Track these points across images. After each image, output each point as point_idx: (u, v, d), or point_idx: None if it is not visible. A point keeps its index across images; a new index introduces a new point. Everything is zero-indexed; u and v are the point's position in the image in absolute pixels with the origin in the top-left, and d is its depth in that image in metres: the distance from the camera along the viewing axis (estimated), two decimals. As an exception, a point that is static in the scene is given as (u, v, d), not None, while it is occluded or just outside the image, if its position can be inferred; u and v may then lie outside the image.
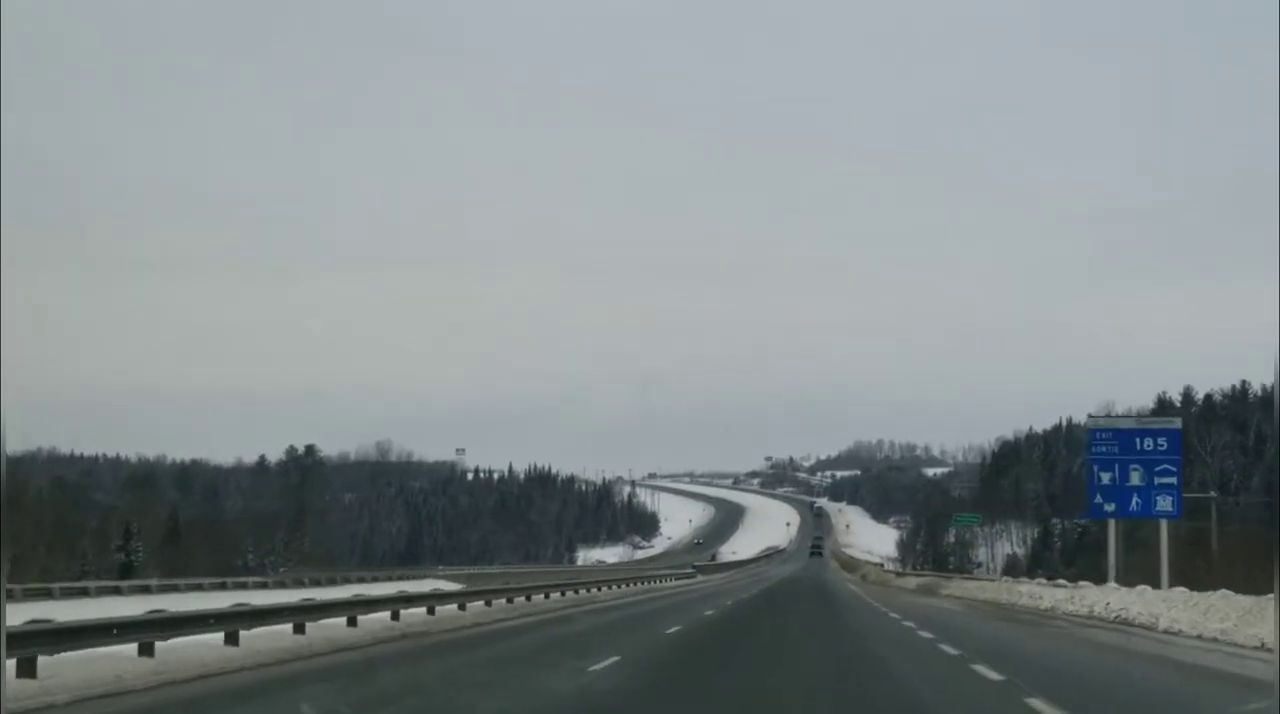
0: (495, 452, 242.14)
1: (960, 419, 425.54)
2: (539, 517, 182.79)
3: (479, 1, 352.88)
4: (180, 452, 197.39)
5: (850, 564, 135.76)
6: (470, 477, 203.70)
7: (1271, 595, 22.87)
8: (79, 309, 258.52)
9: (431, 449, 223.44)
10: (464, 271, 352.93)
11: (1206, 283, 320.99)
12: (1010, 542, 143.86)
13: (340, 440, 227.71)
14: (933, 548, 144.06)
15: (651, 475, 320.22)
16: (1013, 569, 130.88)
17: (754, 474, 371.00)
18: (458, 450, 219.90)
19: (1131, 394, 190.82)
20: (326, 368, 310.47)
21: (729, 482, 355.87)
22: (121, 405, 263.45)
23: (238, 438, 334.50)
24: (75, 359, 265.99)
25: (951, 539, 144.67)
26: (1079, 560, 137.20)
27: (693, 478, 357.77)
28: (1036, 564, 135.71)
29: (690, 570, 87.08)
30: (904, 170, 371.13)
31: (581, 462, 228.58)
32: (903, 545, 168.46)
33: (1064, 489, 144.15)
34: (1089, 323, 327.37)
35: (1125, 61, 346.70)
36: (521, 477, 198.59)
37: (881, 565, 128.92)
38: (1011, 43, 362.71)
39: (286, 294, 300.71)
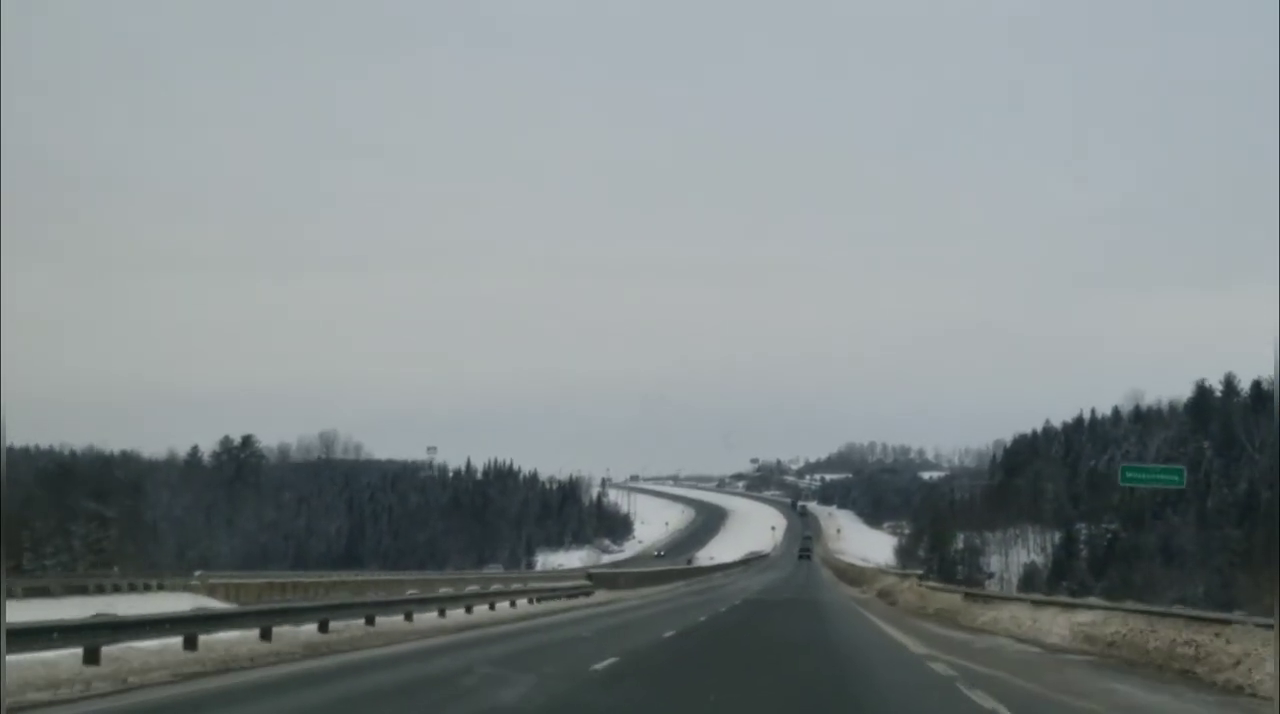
0: (475, 454, 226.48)
1: (955, 423, 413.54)
2: (495, 516, 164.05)
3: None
4: (114, 444, 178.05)
5: (851, 574, 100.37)
6: (424, 474, 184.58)
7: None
8: (59, 305, 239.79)
9: (404, 450, 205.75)
10: (451, 271, 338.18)
11: (1204, 285, 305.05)
12: (1027, 549, 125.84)
13: (292, 435, 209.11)
14: (938, 554, 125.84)
15: (634, 477, 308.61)
16: (1031, 580, 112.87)
17: (739, 476, 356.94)
18: (429, 449, 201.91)
19: (1148, 391, 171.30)
20: (304, 368, 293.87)
21: (713, 485, 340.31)
22: (81, 398, 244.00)
23: (199, 436, 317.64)
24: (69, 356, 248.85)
25: (960, 545, 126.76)
26: (1110, 571, 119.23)
27: (677, 481, 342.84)
28: (1059, 575, 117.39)
29: (583, 584, 56.83)
30: (900, 171, 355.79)
31: (563, 464, 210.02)
32: (902, 552, 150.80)
33: (1089, 489, 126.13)
34: (1085, 326, 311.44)
35: (1126, 60, 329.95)
36: (479, 473, 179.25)
37: (920, 578, 66.19)
38: (1014, 42, 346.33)
39: (265, 291, 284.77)
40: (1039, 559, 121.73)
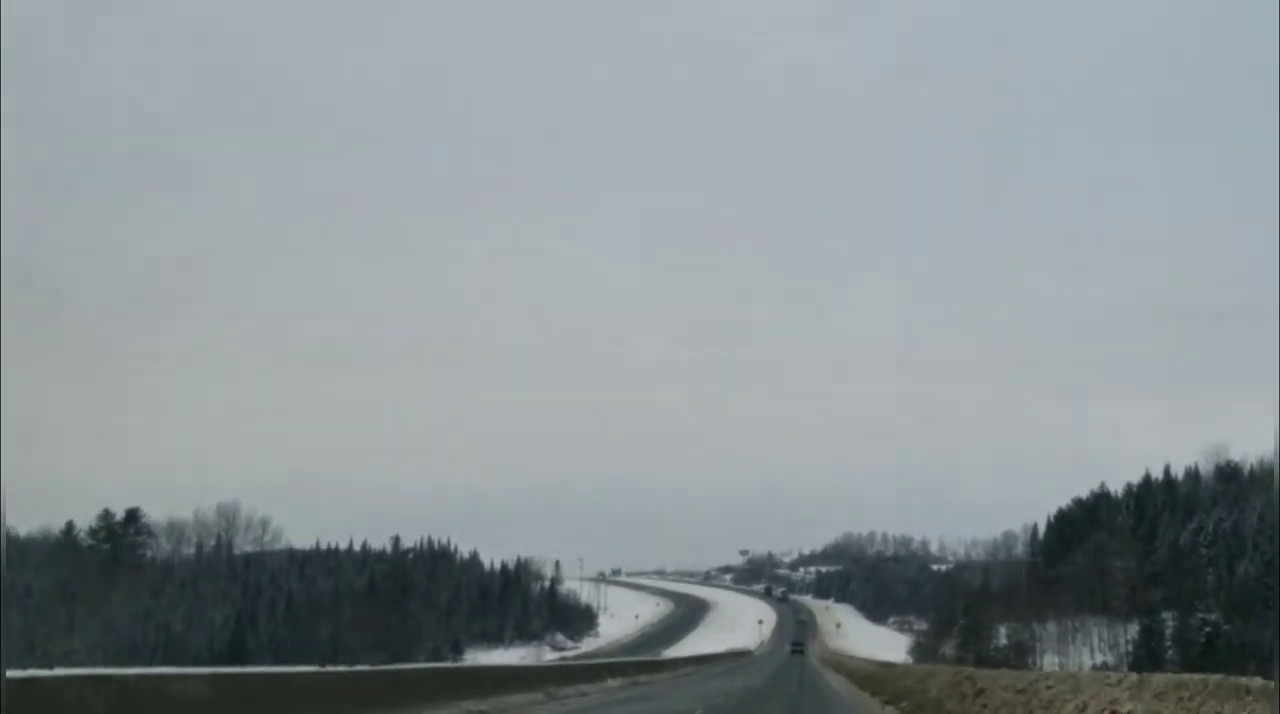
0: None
1: (957, 515, 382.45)
2: (420, 605, 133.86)
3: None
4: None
5: (907, 689, 37.34)
6: (340, 555, 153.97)
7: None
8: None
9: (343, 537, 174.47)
10: (428, 364, 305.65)
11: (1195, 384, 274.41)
12: (1091, 647, 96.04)
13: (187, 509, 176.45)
14: (974, 651, 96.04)
15: (616, 571, 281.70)
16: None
17: (727, 569, 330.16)
18: (392, 539, 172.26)
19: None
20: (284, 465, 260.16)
21: (699, 579, 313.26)
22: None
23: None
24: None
25: (1003, 640, 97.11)
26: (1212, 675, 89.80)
27: (662, 575, 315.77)
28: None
29: None
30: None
31: (537, 557, 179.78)
32: (919, 649, 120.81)
33: (1171, 567, 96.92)
34: (1088, 412, 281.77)
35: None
36: (409, 554, 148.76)
37: None
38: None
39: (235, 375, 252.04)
40: (1109, 658, 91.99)
